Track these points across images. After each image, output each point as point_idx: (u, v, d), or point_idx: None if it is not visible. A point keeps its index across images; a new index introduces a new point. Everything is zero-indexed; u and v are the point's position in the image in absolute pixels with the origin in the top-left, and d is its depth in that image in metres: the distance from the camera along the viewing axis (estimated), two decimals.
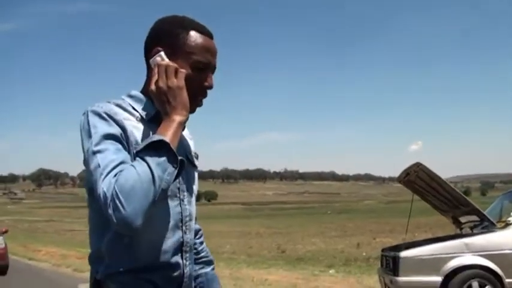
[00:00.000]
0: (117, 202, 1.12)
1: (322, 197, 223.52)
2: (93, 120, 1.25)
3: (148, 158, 1.18)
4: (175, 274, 1.35)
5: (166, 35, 1.36)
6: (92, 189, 1.27)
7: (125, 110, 1.32)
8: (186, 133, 1.47)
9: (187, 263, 1.39)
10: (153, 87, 1.30)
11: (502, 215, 7.02)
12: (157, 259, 1.31)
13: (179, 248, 1.35)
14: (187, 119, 1.30)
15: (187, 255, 1.38)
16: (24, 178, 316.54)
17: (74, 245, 21.16)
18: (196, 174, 1.49)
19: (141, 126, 1.32)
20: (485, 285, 5.76)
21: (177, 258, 1.35)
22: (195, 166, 1.48)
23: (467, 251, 5.96)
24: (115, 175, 1.15)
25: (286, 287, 9.07)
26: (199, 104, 1.39)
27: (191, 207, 1.42)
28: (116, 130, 1.25)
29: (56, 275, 11.91)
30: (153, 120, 1.34)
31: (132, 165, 1.17)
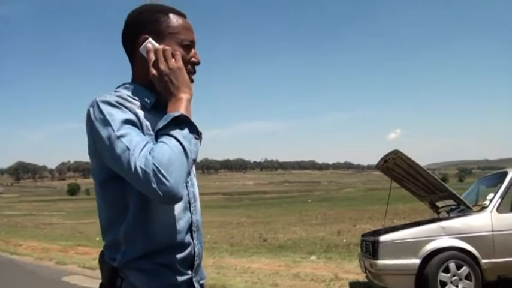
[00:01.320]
0: (160, 176, 1.16)
1: (302, 186, 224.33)
2: (106, 108, 1.28)
3: (174, 133, 1.23)
4: (187, 254, 1.40)
5: (148, 23, 1.41)
6: (105, 180, 1.32)
7: (126, 100, 1.34)
8: None
9: (196, 242, 1.44)
10: (154, 71, 1.34)
11: (478, 199, 7.21)
12: (173, 240, 1.36)
13: (189, 228, 1.42)
14: (191, 97, 1.35)
15: (195, 234, 1.44)
16: (2, 172, 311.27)
17: (55, 239, 20.98)
18: None
19: (145, 114, 1.36)
20: (462, 266, 5.91)
21: (188, 238, 1.41)
22: None
23: (444, 234, 6.11)
24: (149, 152, 1.19)
25: (268, 274, 9.16)
26: (191, 77, 1.44)
27: (194, 189, 1.49)
28: (131, 116, 1.29)
29: (39, 268, 11.82)
30: (154, 107, 1.39)
31: (162, 142, 1.22)
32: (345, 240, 14.89)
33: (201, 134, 1.32)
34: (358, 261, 7.46)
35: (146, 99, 1.39)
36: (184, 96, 1.32)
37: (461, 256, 5.97)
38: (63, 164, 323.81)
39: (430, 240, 6.07)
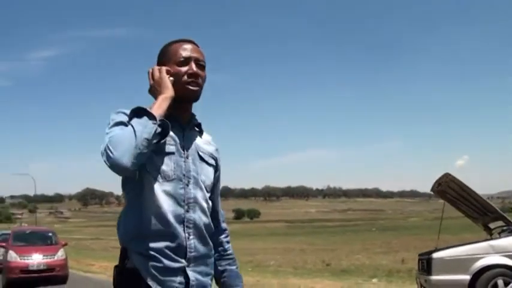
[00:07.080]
0: (108, 151, 1.52)
1: (366, 214, 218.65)
2: (111, 116, 1.68)
3: (131, 121, 1.59)
4: (177, 244, 1.66)
5: (160, 56, 1.81)
6: (123, 179, 1.72)
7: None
8: (208, 139, 1.87)
9: (191, 237, 1.69)
10: (148, 89, 1.75)
11: None
12: (162, 228, 1.64)
13: (181, 223, 1.67)
14: (171, 95, 1.68)
15: (191, 230, 1.69)
16: (71, 198, 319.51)
17: None
18: (210, 170, 1.83)
19: None
20: (510, 283, 6.31)
21: (179, 230, 1.66)
22: (205, 162, 1.81)
23: (493, 252, 6.55)
24: (109, 138, 1.57)
25: None
26: (193, 85, 1.74)
27: (197, 192, 1.73)
28: (125, 118, 1.64)
29: None
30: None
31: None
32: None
33: (165, 122, 1.61)
34: (415, 278, 7.92)
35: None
36: (162, 96, 1.66)
37: (510, 273, 6.37)
38: None
39: (480, 258, 6.53)
